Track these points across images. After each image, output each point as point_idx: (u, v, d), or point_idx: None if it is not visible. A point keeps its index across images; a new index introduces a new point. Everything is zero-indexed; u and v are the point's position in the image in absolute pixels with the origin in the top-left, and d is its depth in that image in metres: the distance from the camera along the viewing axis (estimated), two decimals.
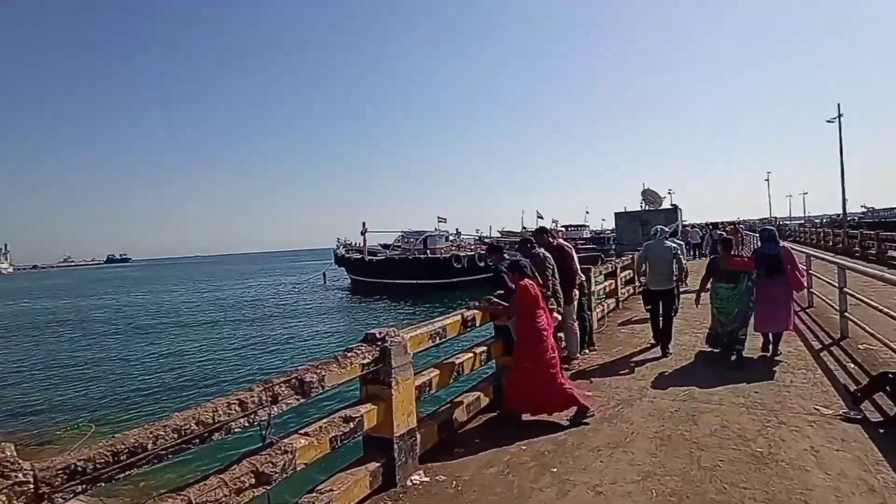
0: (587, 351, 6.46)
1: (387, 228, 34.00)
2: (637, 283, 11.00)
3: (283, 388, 2.55)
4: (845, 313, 6.27)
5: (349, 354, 2.99)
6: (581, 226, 57.67)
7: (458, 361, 4.04)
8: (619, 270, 10.04)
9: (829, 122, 25.22)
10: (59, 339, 19.65)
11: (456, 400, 4.20)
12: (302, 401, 2.64)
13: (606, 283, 9.38)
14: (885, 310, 5.06)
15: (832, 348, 5.94)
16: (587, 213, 64.21)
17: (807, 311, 8.21)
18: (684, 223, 33.84)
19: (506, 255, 5.29)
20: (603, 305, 8.70)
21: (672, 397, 4.59)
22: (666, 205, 32.83)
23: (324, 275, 39.17)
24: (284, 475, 2.46)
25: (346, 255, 33.39)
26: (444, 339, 3.85)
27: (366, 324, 18.50)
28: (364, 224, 34.18)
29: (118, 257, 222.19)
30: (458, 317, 4.08)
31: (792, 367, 5.32)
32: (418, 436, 3.40)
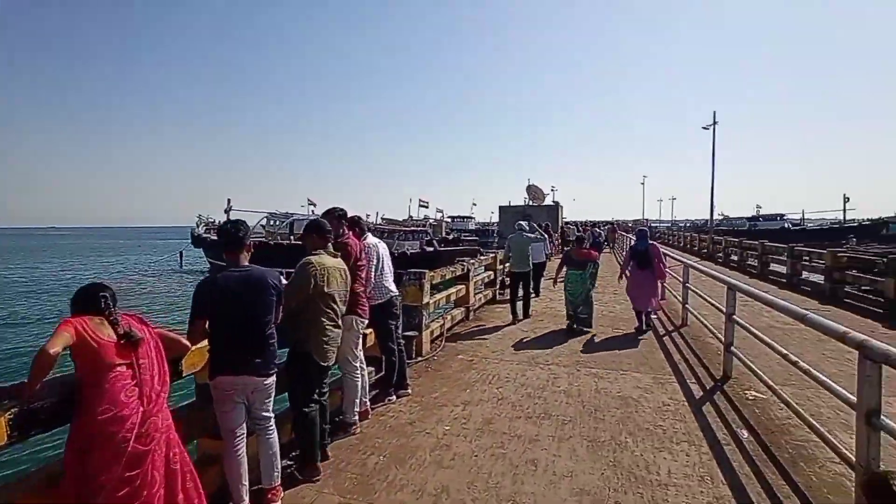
0: (393, 398, 4.36)
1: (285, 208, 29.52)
2: (497, 287, 9.77)
3: None
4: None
5: None
6: (467, 217, 57.90)
7: None
8: (473, 272, 8.17)
9: (704, 128, 25.16)
10: None
11: None
12: None
13: (453, 290, 7.40)
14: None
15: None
16: (474, 204, 65.18)
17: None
18: (564, 220, 34.06)
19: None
20: (443, 319, 6.71)
21: None
22: (548, 201, 32.95)
23: (180, 255, 33.89)
24: None
25: (203, 236, 28.57)
26: None
27: None
28: (229, 201, 29.63)
29: None
30: None
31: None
32: None
